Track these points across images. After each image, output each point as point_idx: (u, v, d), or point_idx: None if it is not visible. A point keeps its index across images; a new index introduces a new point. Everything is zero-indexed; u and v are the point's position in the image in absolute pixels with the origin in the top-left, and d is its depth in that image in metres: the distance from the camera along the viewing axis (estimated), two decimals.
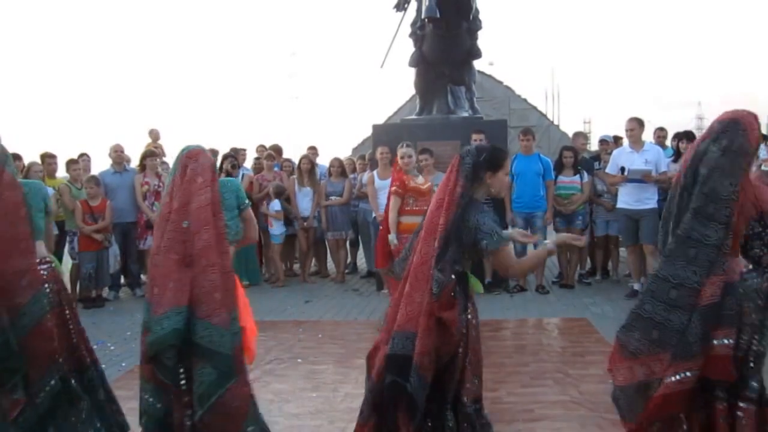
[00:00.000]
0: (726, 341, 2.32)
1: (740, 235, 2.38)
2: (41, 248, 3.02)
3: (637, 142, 6.48)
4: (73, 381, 2.93)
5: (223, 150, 7.70)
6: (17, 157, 7.06)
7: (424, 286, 2.51)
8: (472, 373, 2.60)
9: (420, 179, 5.50)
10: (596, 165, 7.29)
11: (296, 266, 8.46)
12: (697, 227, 2.32)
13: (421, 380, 2.48)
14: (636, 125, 6.48)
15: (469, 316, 2.62)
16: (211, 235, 2.59)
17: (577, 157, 7.09)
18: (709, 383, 2.35)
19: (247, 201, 3.20)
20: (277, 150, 8.71)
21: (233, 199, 3.11)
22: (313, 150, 8.43)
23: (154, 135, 9.42)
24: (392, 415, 2.55)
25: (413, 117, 8.05)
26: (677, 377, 2.31)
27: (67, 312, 3.05)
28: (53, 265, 3.08)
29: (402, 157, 5.44)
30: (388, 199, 5.45)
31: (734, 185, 2.29)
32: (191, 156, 2.74)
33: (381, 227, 5.57)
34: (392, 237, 5.26)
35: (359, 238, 8.09)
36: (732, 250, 2.37)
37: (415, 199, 5.32)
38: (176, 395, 2.61)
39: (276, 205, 7.48)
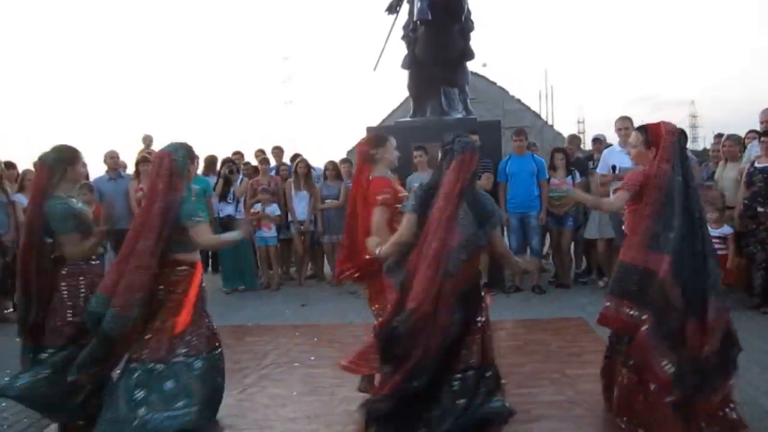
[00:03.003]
0: None
1: None
2: None
3: (627, 142, 6.49)
4: None
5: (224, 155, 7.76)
6: (11, 166, 7.05)
7: None
8: None
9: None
10: (590, 164, 7.31)
11: (292, 270, 8.46)
12: None
13: None
14: (628, 124, 6.52)
15: None
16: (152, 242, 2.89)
17: (569, 158, 7.11)
18: None
19: None
20: (280, 149, 8.70)
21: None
22: (299, 157, 8.31)
23: (147, 141, 9.39)
24: None
25: (407, 119, 8.06)
26: None
27: None
28: None
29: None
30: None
31: None
32: (156, 158, 3.06)
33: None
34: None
35: None
36: None
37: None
38: None
39: (258, 207, 7.55)
